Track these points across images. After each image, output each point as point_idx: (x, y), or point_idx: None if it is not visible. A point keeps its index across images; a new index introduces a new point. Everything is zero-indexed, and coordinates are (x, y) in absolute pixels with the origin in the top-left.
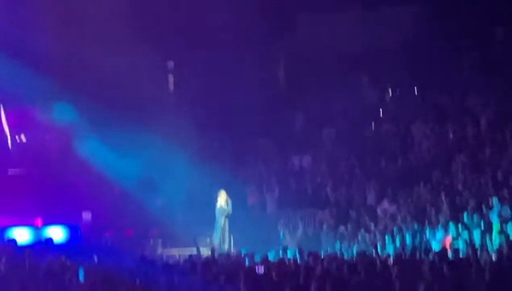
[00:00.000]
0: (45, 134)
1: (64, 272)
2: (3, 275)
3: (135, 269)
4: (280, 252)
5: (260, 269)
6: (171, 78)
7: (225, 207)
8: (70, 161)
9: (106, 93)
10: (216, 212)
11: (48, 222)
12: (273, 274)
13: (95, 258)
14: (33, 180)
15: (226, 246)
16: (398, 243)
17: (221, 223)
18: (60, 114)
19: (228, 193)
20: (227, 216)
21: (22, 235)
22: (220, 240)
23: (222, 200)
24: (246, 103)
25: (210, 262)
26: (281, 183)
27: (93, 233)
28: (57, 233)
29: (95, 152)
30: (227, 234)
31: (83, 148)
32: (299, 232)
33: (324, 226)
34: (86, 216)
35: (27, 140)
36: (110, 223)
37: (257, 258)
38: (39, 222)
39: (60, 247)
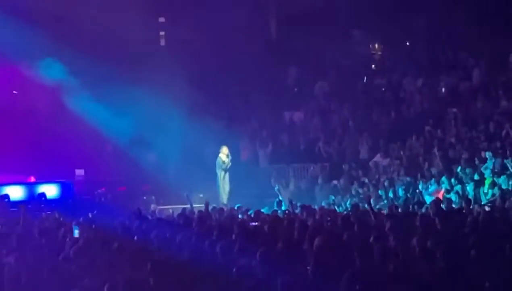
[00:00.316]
0: (36, 92)
1: (58, 228)
2: None
3: (129, 225)
4: (275, 205)
5: (253, 223)
6: (162, 34)
7: (226, 161)
8: (63, 118)
9: (97, 49)
10: (217, 166)
11: (41, 180)
12: (266, 228)
13: (90, 214)
14: (26, 138)
15: (225, 199)
16: (391, 196)
17: (220, 176)
18: (51, 71)
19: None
20: (226, 170)
21: (15, 192)
22: (220, 193)
23: (223, 154)
24: (238, 58)
25: (203, 216)
26: (273, 138)
27: (86, 190)
28: (50, 190)
29: (88, 108)
30: (227, 187)
31: (75, 104)
32: (292, 186)
33: (317, 180)
34: (79, 173)
35: (18, 97)
36: (103, 179)
37: (250, 213)
38: (32, 179)
39: (54, 203)
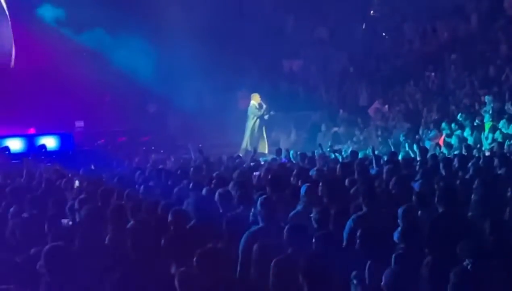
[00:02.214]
0: (37, 44)
1: (59, 179)
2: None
3: (129, 175)
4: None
5: (256, 173)
6: None
7: (258, 109)
8: (62, 70)
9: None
10: (249, 113)
11: (41, 132)
12: (265, 176)
13: (92, 166)
14: (25, 90)
15: (250, 146)
16: (391, 143)
17: (250, 123)
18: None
19: (220, 98)
20: (258, 118)
21: (15, 144)
22: (246, 141)
23: (255, 101)
24: (237, 7)
25: (202, 166)
26: (273, 86)
27: (86, 141)
28: (50, 142)
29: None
30: (256, 135)
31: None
32: (293, 134)
33: (316, 128)
34: (79, 124)
35: (18, 51)
36: (103, 130)
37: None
38: (32, 131)
39: (54, 155)
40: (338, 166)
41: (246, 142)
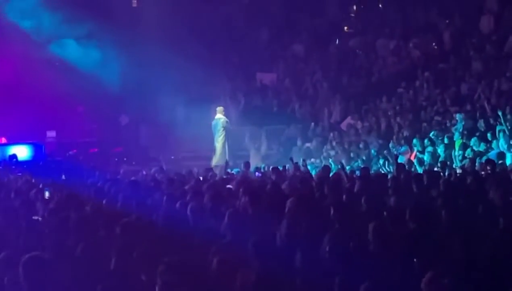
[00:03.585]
0: (8, 52)
1: (29, 189)
2: None
3: (100, 186)
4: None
5: (229, 186)
6: None
7: (227, 122)
8: (34, 79)
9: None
10: (220, 127)
11: (13, 141)
12: (237, 189)
13: (63, 176)
14: None
15: (218, 159)
16: (363, 158)
17: (221, 137)
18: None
19: (193, 110)
20: (224, 128)
21: None
22: (216, 154)
23: (221, 115)
24: (211, 20)
25: (174, 178)
26: (246, 99)
27: (57, 151)
28: (21, 152)
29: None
30: (226, 147)
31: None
32: (264, 148)
33: (289, 143)
34: (51, 134)
35: None
36: (75, 141)
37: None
38: (3, 140)
39: (25, 165)
40: (311, 180)
41: (219, 155)
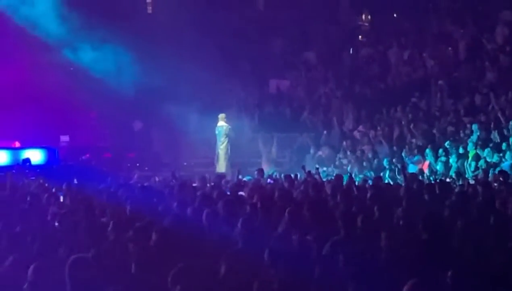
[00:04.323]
0: (24, 57)
1: (43, 193)
2: None
3: (113, 191)
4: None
5: (241, 193)
6: (149, 1)
7: (231, 129)
8: (49, 84)
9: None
10: (224, 134)
11: (26, 145)
12: (250, 196)
13: (75, 180)
14: (11, 103)
15: (221, 166)
16: (375, 167)
17: (224, 144)
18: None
19: (206, 117)
20: (226, 135)
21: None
22: (219, 161)
23: (223, 122)
24: (225, 27)
25: (187, 184)
26: (259, 106)
27: (70, 156)
28: (35, 156)
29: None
30: (223, 154)
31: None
32: (274, 154)
33: (302, 150)
34: (64, 139)
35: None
36: (88, 146)
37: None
38: (17, 145)
39: (38, 169)
40: (323, 188)
41: (222, 162)
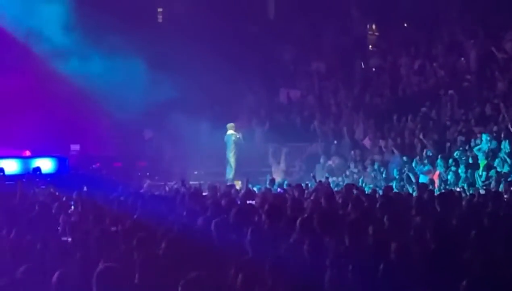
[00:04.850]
0: (34, 66)
1: (53, 202)
2: None
3: (123, 200)
4: (267, 184)
5: (250, 202)
6: (160, 10)
7: (240, 139)
8: (59, 92)
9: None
10: (233, 142)
11: (37, 154)
12: (259, 205)
13: (85, 188)
14: (21, 112)
15: (234, 174)
16: (385, 177)
17: (233, 153)
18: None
19: (217, 127)
20: (235, 142)
21: (10, 166)
22: (231, 170)
23: (233, 131)
24: (235, 37)
25: (198, 194)
26: (269, 116)
27: (81, 165)
28: (45, 164)
29: (84, 79)
30: (232, 163)
31: (71, 77)
32: (283, 164)
33: (312, 160)
34: (74, 148)
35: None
36: (98, 154)
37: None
38: (27, 153)
39: (49, 178)
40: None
41: (234, 169)
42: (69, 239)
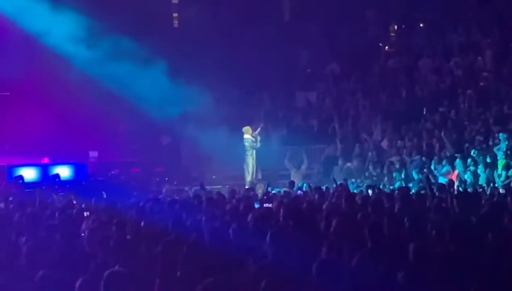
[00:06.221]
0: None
1: (72, 209)
2: (12, 213)
3: (142, 206)
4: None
5: (267, 205)
6: (176, 15)
7: (255, 142)
8: (77, 100)
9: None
10: (247, 146)
11: (55, 161)
12: (279, 209)
13: (104, 194)
14: (40, 119)
15: (252, 179)
16: (404, 178)
17: (251, 157)
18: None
19: (234, 130)
20: (254, 150)
21: (29, 173)
22: (248, 173)
23: (249, 135)
24: (251, 39)
25: (216, 199)
26: (287, 118)
27: (99, 171)
28: (64, 171)
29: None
30: (254, 167)
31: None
32: (304, 167)
33: (330, 162)
34: (93, 154)
35: (34, 80)
36: (117, 161)
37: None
38: (46, 161)
39: (67, 184)
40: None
41: (251, 175)
42: (88, 246)
